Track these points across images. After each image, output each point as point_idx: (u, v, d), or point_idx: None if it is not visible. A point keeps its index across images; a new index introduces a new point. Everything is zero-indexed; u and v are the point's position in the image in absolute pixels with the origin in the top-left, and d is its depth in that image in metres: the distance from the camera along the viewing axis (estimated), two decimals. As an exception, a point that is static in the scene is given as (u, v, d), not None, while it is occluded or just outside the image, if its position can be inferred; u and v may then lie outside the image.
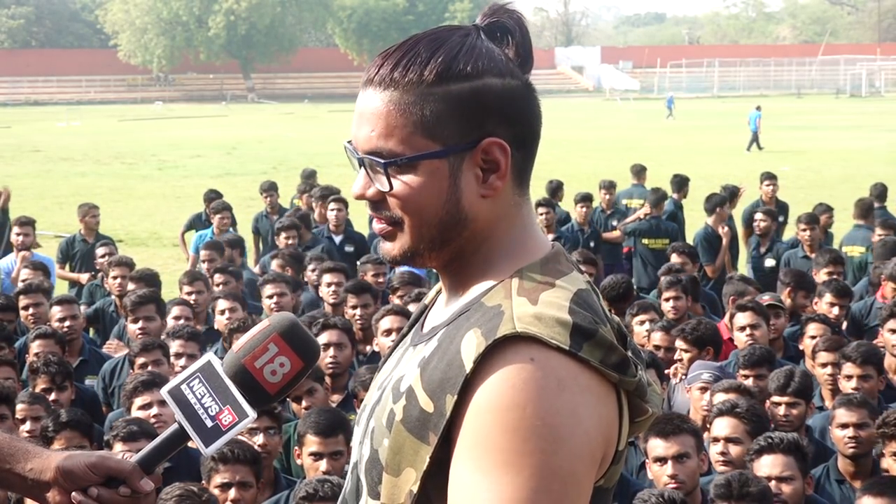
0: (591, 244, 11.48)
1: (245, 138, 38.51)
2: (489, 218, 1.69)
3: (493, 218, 1.69)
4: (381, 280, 8.31)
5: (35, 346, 6.43)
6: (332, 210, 10.67)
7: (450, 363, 1.59)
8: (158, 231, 18.48)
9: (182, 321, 6.99)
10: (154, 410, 5.12)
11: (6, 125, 45.02)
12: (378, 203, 1.70)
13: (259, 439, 4.80)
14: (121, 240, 15.52)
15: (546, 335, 1.55)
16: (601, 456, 1.60)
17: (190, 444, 1.85)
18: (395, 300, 7.44)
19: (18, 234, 10.13)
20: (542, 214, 10.85)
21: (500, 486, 1.51)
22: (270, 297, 7.55)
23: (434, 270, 1.77)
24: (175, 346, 6.24)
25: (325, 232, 10.71)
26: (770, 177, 13.01)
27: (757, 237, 10.80)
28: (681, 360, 6.24)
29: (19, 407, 5.29)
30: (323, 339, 6.00)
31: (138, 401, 5.19)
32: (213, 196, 12.50)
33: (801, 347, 6.80)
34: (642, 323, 6.85)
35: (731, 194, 12.21)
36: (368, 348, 6.88)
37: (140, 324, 6.92)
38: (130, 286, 7.99)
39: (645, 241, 11.49)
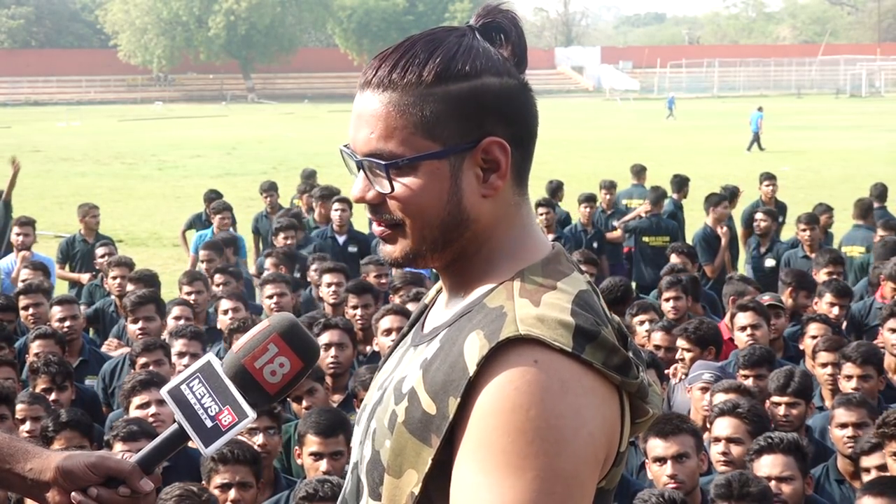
0: (595, 244, 11.47)
1: (245, 138, 38.52)
2: (490, 218, 1.68)
3: (494, 218, 1.69)
4: (383, 281, 8.30)
5: (35, 346, 6.43)
6: (337, 210, 10.65)
7: (452, 365, 1.58)
8: (158, 231, 18.48)
9: (182, 321, 6.99)
10: (152, 410, 5.12)
11: (6, 125, 45.01)
12: (378, 206, 1.69)
13: (259, 439, 4.80)
14: (121, 240, 15.52)
15: (549, 337, 1.55)
16: (604, 458, 1.60)
17: (190, 444, 1.85)
18: (397, 299, 7.44)
19: (18, 234, 10.14)
20: (542, 214, 10.85)
21: (504, 488, 1.51)
22: (270, 297, 7.55)
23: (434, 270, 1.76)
24: (178, 345, 6.24)
25: (328, 232, 10.70)
26: (769, 177, 13.02)
27: (757, 237, 10.80)
28: (682, 359, 6.24)
29: (19, 407, 5.29)
30: (324, 338, 5.99)
31: (136, 400, 5.19)
32: (213, 196, 12.50)
33: (801, 347, 6.80)
34: (642, 323, 6.85)
35: (731, 195, 12.22)
36: (368, 349, 6.88)
37: (140, 324, 6.93)
38: (129, 287, 7.99)
39: (645, 238, 11.50)
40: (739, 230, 11.78)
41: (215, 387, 1.81)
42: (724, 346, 6.54)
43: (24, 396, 5.43)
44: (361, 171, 1.69)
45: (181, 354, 6.16)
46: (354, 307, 7.16)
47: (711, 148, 33.53)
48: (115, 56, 72.34)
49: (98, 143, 36.68)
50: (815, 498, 4.60)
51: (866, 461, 4.66)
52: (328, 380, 6.02)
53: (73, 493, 1.83)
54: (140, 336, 6.76)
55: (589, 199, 11.98)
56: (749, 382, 5.61)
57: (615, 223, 12.46)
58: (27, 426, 5.24)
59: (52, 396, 5.69)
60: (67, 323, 7.06)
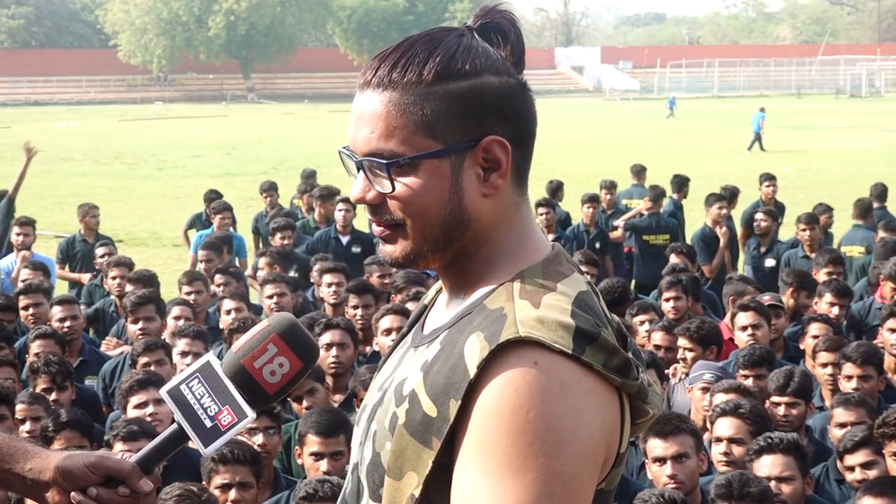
0: (598, 245, 11.46)
1: (245, 138, 38.51)
2: (490, 218, 1.68)
3: (494, 218, 1.68)
4: (386, 281, 8.29)
5: (35, 346, 6.43)
6: (340, 210, 10.62)
7: (453, 367, 1.58)
8: (158, 231, 18.48)
9: (182, 321, 6.99)
10: (150, 409, 5.12)
11: (6, 125, 44.96)
12: (378, 206, 1.69)
13: (259, 439, 4.80)
14: (121, 240, 15.52)
15: (549, 339, 1.55)
16: (603, 459, 1.60)
17: (189, 444, 1.85)
18: (399, 299, 7.43)
19: (18, 234, 10.14)
20: (542, 215, 10.84)
21: (504, 489, 1.51)
22: (270, 297, 7.55)
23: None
24: (181, 344, 6.23)
25: (331, 233, 10.69)
26: (769, 177, 13.02)
27: (757, 237, 10.80)
28: (684, 359, 6.23)
29: (19, 407, 5.29)
30: (325, 338, 5.99)
31: (133, 399, 5.19)
32: (213, 196, 12.51)
33: (801, 347, 6.80)
34: (642, 323, 6.85)
35: (731, 195, 12.22)
36: (369, 349, 6.87)
37: (140, 324, 6.93)
38: (129, 287, 8.00)
39: (645, 237, 11.50)
40: (739, 230, 11.78)
41: (215, 387, 1.81)
42: (725, 346, 6.54)
43: (24, 396, 5.43)
44: (361, 171, 1.68)
45: (184, 354, 6.16)
46: (355, 307, 7.15)
47: (711, 148, 33.53)
48: (115, 56, 72.33)
49: (98, 143, 36.68)
50: (815, 498, 4.60)
51: (850, 459, 4.66)
52: (329, 380, 6.02)
53: (72, 493, 1.82)
54: (140, 336, 6.76)
55: (592, 200, 11.96)
56: (749, 382, 5.61)
57: (615, 222, 12.46)
58: (27, 426, 5.24)
59: (52, 396, 5.69)
60: (67, 323, 7.06)
